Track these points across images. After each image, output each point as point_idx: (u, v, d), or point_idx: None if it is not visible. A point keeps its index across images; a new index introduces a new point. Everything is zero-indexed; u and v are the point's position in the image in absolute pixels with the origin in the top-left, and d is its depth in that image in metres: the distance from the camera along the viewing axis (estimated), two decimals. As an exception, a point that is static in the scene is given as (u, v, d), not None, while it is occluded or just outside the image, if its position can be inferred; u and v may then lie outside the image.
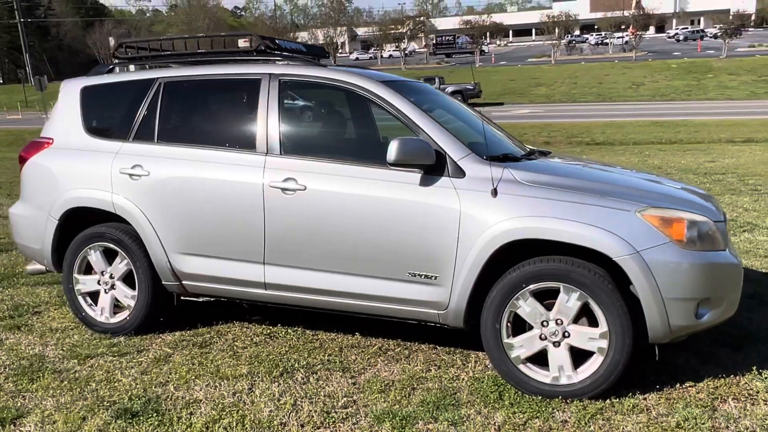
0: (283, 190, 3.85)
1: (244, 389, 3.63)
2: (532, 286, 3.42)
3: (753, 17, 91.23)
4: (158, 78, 4.37)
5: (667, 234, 3.27)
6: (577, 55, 64.23)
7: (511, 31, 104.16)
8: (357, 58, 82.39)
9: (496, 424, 3.23)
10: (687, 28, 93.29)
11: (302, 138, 4.11)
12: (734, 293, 3.45)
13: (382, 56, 74.28)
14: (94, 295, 4.52)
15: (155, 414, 3.34)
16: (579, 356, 3.45)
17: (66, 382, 3.73)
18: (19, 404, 3.50)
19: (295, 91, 4.21)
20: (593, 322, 3.39)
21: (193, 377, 3.79)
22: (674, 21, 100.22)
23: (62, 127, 4.58)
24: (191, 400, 3.51)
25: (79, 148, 4.45)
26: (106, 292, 4.45)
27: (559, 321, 3.42)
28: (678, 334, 3.34)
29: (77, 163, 4.42)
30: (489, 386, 3.59)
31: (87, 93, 4.57)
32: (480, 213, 3.47)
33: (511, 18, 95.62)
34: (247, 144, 4.04)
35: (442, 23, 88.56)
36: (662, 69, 46.42)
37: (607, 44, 69.73)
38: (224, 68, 4.29)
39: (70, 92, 4.64)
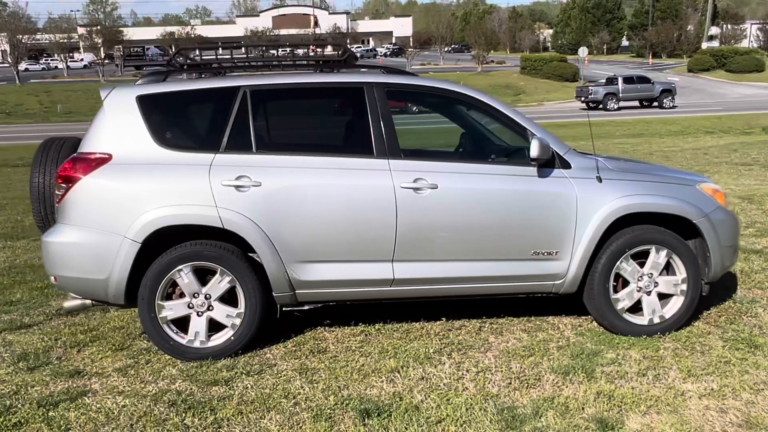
0: (415, 189, 4.16)
1: (422, 375, 3.89)
2: (633, 250, 4.36)
3: (411, 39, 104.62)
4: (242, 86, 4.22)
5: (716, 199, 4.51)
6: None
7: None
8: (27, 69, 73.42)
9: (638, 358, 4.09)
10: (360, 46, 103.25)
11: (419, 141, 4.42)
12: None
13: (68, 66, 67.35)
14: (178, 322, 4.16)
15: (398, 407, 3.47)
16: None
17: (255, 403, 3.54)
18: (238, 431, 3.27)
19: (399, 98, 4.49)
20: (671, 272, 4.46)
21: (362, 377, 3.88)
22: (347, 40, 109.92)
23: (122, 141, 4.09)
24: (395, 393, 3.67)
25: (154, 162, 4.06)
26: (199, 315, 4.14)
27: (650, 275, 4.41)
28: (723, 272, 4.59)
29: (159, 178, 4.03)
30: (598, 337, 4.43)
31: (149, 103, 4.16)
32: (592, 195, 4.29)
33: (212, 31, 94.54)
34: (362, 149, 4.22)
35: (137, 33, 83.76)
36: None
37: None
38: (316, 77, 4.35)
39: (122, 102, 4.16)
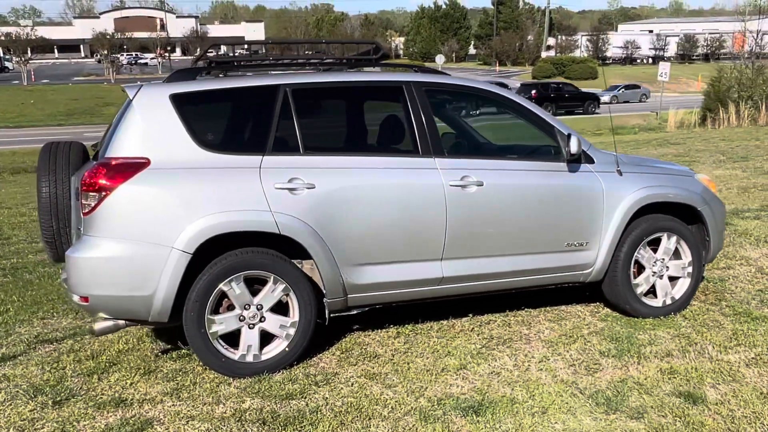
0: (463, 187, 4.19)
1: (490, 370, 3.93)
2: (649, 238, 4.68)
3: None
4: (282, 84, 4.02)
5: (710, 188, 4.96)
6: (127, 74, 63.03)
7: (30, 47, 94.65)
8: None
9: (669, 337, 4.41)
10: (212, 52, 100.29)
11: (461, 139, 4.44)
12: None
13: None
14: (227, 337, 3.87)
15: (497, 402, 3.48)
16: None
17: (351, 413, 3.39)
18: (355, 443, 3.13)
19: (437, 97, 4.47)
20: (677, 257, 4.84)
21: (434, 377, 3.86)
22: (190, 45, 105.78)
23: (159, 143, 3.74)
24: (477, 389, 3.69)
25: (199, 165, 3.76)
26: (250, 328, 3.88)
27: (662, 260, 4.77)
28: (717, 254, 5.06)
29: (207, 183, 3.74)
30: (619, 321, 4.71)
31: (185, 102, 3.84)
32: (616, 188, 4.56)
33: (50, 32, 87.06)
34: (407, 148, 4.19)
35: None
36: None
37: (154, 65, 70.23)
38: (354, 76, 4.25)
39: (154, 101, 3.81)
